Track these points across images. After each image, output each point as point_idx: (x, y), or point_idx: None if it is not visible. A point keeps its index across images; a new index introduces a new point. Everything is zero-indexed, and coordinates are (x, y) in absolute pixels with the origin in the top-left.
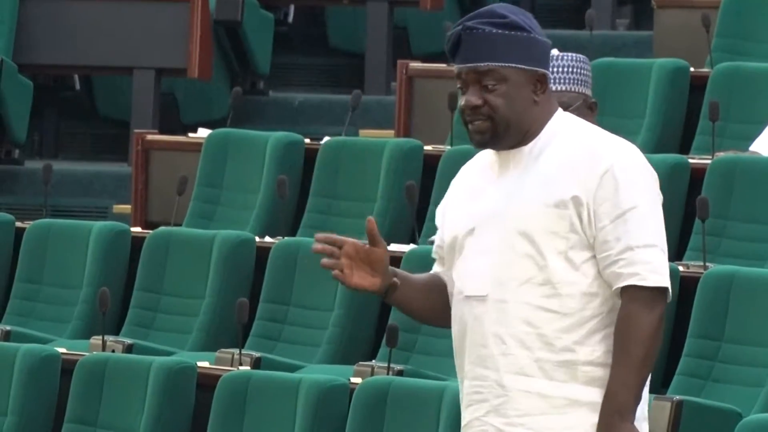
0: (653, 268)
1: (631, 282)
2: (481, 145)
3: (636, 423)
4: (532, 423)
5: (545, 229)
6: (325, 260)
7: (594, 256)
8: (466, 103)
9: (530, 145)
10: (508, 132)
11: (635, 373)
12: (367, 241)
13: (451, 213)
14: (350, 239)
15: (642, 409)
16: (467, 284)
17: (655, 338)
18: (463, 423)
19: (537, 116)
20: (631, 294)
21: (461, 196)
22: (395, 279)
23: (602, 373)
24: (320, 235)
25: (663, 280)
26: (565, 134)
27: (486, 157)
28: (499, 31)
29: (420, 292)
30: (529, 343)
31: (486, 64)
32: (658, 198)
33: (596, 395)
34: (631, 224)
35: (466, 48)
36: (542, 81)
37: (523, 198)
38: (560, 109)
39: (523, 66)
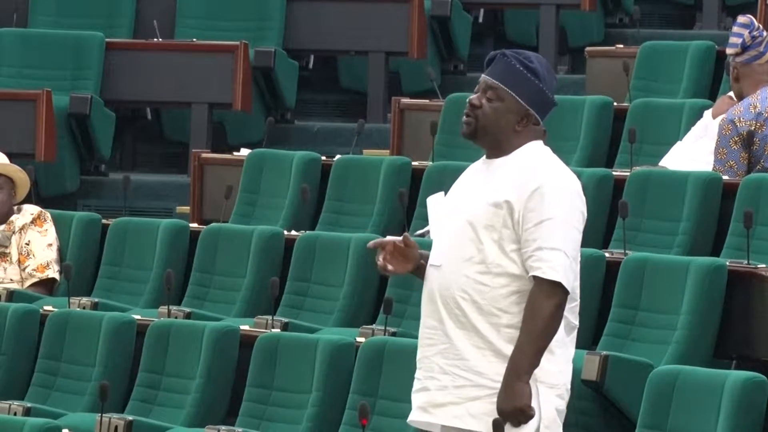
0: (552, 266)
1: (535, 273)
2: (465, 136)
3: (539, 384)
4: (465, 365)
5: (484, 222)
6: (379, 264)
7: (520, 248)
8: (470, 99)
9: (501, 159)
10: (484, 136)
11: (531, 343)
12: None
13: (447, 200)
14: (391, 241)
15: (548, 372)
16: (433, 255)
17: (551, 319)
18: (417, 357)
19: (513, 140)
20: (536, 283)
21: (455, 189)
22: (422, 261)
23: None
24: (373, 242)
25: (558, 275)
26: (524, 157)
27: (479, 163)
28: (520, 67)
29: None
30: (465, 307)
31: (496, 82)
32: (575, 215)
33: None
34: (545, 231)
35: (494, 65)
36: (527, 118)
37: (476, 197)
38: (539, 142)
39: (517, 98)
